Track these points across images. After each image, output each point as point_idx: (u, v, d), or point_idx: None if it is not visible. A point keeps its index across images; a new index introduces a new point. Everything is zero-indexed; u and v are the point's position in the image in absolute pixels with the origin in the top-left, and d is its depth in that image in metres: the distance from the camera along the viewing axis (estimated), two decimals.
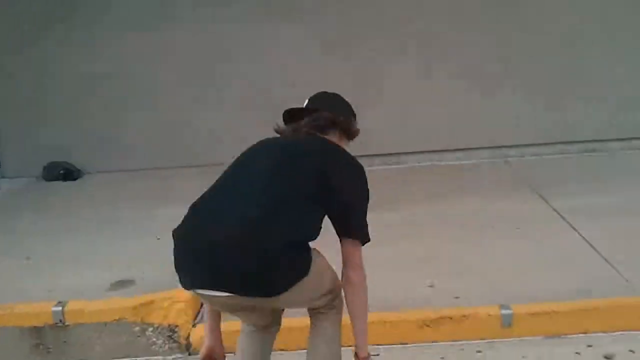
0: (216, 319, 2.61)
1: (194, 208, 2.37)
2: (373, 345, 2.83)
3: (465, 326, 3.26)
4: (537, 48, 6.26)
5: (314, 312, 2.53)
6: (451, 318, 3.27)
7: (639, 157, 6.08)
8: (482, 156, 6.45)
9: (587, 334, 3.22)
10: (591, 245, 3.99)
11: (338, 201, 2.37)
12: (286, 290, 2.21)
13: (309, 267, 2.26)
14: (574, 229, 4.30)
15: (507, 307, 3.24)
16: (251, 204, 2.25)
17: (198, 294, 2.28)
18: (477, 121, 6.37)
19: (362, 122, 2.82)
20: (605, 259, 3.77)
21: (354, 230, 2.40)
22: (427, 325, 3.29)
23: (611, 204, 4.67)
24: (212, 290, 2.20)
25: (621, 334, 3.20)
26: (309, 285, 2.30)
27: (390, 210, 4.81)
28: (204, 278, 2.22)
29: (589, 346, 3.13)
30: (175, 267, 2.30)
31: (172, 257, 2.30)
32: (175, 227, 2.33)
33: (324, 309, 2.50)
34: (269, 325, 2.65)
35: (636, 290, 3.35)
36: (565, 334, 3.24)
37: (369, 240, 2.43)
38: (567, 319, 3.23)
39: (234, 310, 2.43)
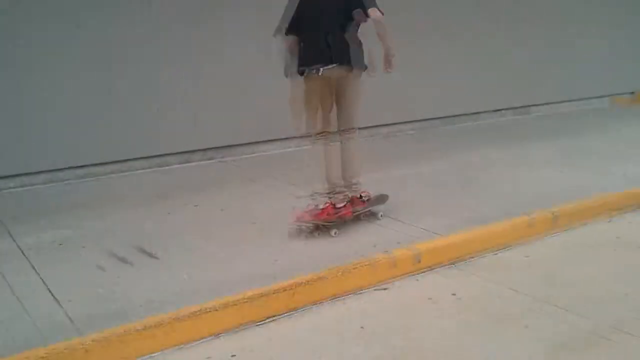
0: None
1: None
2: None
3: None
4: None
5: (343, 132, 4.46)
6: None
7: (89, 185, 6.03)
8: None
9: None
10: (46, 286, 3.63)
11: None
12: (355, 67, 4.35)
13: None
14: (33, 267, 3.89)
15: None
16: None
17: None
18: None
19: None
20: (57, 300, 3.44)
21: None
22: None
23: (66, 237, 4.47)
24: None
25: None
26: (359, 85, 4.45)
27: None
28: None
29: None
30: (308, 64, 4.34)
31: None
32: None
33: (352, 129, 4.48)
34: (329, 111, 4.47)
35: (79, 332, 3.09)
36: None
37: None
38: None
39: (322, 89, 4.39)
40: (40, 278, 3.74)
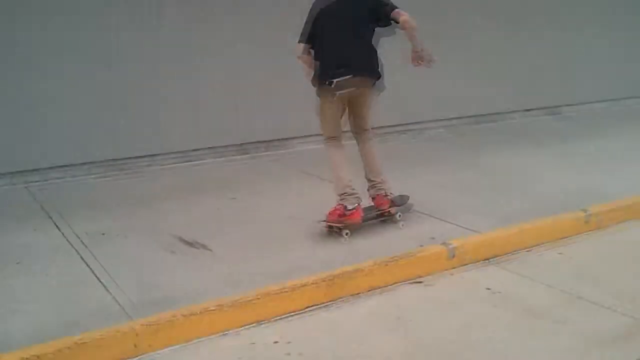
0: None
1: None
2: None
3: None
4: None
5: (361, 134, 4.60)
6: None
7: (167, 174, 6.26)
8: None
9: None
10: (94, 273, 3.79)
11: None
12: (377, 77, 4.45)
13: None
14: (81, 257, 4.05)
15: None
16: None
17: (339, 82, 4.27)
18: None
19: None
20: (105, 287, 3.60)
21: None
22: None
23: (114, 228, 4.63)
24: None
25: None
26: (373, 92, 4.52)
27: None
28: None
29: None
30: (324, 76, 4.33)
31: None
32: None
33: (367, 130, 4.60)
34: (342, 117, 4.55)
35: (130, 315, 3.24)
36: None
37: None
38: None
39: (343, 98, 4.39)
40: (89, 267, 3.90)
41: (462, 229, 4.43)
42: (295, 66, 4.59)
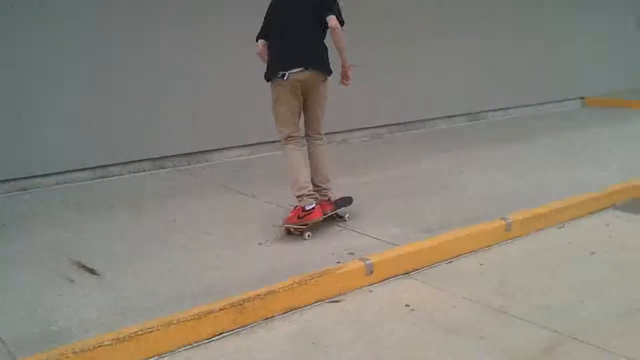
0: None
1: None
2: None
3: None
4: None
5: (314, 137, 4.61)
6: None
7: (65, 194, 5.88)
8: None
9: None
10: None
11: None
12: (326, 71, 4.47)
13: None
14: None
15: None
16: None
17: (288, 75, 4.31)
18: None
19: None
20: None
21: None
22: None
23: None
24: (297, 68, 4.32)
25: None
26: (326, 89, 4.52)
27: None
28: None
29: None
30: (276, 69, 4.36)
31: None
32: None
33: (320, 134, 4.61)
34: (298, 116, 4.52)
35: (11, 355, 2.91)
36: None
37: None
38: None
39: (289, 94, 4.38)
40: None
41: (381, 242, 4.28)
42: None
